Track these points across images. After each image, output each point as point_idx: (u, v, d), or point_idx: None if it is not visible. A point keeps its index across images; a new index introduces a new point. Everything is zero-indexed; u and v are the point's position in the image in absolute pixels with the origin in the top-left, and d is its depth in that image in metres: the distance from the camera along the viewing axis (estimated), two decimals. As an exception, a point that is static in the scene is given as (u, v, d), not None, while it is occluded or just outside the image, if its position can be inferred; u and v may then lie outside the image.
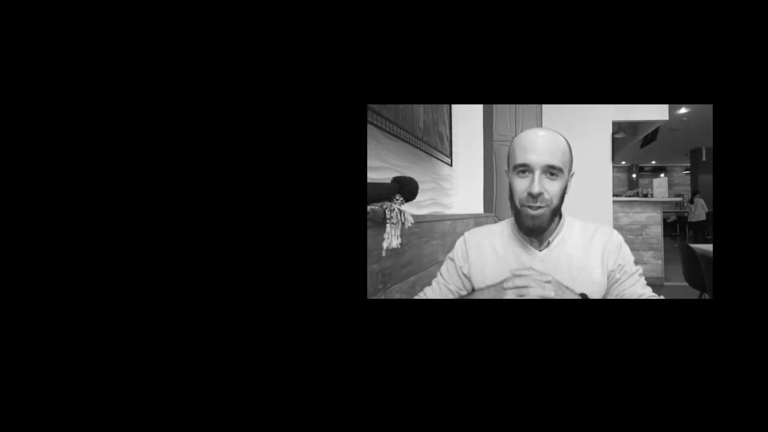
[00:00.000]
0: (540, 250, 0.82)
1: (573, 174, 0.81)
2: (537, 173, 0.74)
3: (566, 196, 0.79)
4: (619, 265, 0.81)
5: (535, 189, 0.73)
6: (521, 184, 0.76)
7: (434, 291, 0.91)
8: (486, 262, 0.85)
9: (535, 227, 0.77)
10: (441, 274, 0.93)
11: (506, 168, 0.83)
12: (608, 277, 0.81)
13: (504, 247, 0.85)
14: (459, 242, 0.91)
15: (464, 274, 0.88)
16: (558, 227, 0.82)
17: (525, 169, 0.75)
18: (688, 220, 8.05)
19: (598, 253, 0.81)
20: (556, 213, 0.78)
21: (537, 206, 0.75)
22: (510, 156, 0.80)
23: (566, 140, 0.79)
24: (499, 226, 0.90)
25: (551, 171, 0.75)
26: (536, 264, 0.80)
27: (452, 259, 0.91)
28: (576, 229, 0.84)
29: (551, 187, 0.75)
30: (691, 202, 8.06)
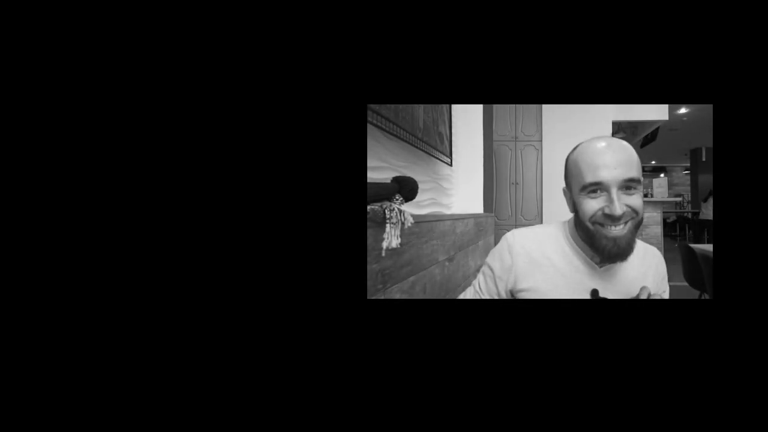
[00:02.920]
0: (600, 266, 0.72)
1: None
2: (614, 191, 0.64)
3: None
4: (664, 291, 0.77)
5: (617, 210, 0.63)
6: (593, 204, 0.66)
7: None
8: (538, 272, 0.73)
9: (620, 251, 0.65)
10: (478, 284, 0.82)
11: (564, 187, 0.73)
12: None
13: (561, 258, 0.73)
14: (501, 247, 0.78)
15: (509, 290, 0.76)
16: None
17: (597, 188, 0.65)
18: (699, 218, 7.99)
19: (652, 276, 0.75)
20: (638, 227, 0.68)
21: (618, 225, 0.65)
22: (572, 174, 0.69)
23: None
24: (547, 230, 0.77)
25: (629, 185, 0.64)
26: (596, 282, 0.72)
27: (491, 269, 0.78)
28: None
29: (632, 201, 0.65)
30: (705, 200, 7.97)
